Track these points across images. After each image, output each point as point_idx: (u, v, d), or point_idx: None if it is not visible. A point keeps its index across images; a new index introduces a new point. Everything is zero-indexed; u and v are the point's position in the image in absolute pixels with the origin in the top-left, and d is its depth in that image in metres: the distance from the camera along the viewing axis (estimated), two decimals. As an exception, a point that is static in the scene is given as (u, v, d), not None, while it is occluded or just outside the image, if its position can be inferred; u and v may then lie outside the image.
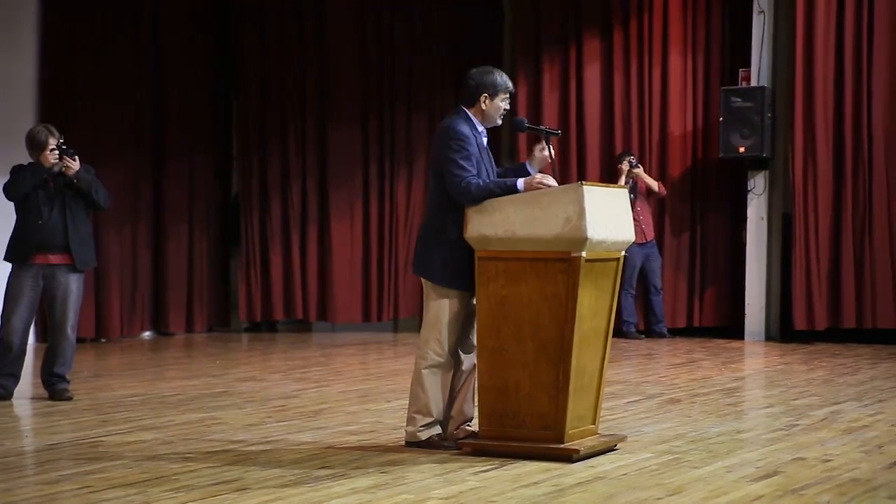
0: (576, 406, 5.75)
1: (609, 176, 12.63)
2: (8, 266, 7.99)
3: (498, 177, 6.07)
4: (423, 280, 6.06)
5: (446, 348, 5.97)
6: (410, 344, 6.95)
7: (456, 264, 5.91)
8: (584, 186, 5.62)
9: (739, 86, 12.26)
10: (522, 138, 12.90)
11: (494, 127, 6.17)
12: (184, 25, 13.11)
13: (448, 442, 6.01)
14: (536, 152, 6.15)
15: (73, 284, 7.87)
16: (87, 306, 12.09)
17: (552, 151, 6.14)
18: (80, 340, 11.92)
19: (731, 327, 12.48)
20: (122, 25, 12.45)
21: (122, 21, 12.46)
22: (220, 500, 4.94)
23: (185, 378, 9.23)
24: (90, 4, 12.18)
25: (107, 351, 11.56)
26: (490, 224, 5.78)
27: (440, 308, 5.96)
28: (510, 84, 6.08)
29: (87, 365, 10.44)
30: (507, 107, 6.10)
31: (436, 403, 6.00)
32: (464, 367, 6.07)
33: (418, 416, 6.02)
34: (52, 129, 7.99)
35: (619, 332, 12.10)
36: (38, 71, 11.94)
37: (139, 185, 12.71)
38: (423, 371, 6.00)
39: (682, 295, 12.73)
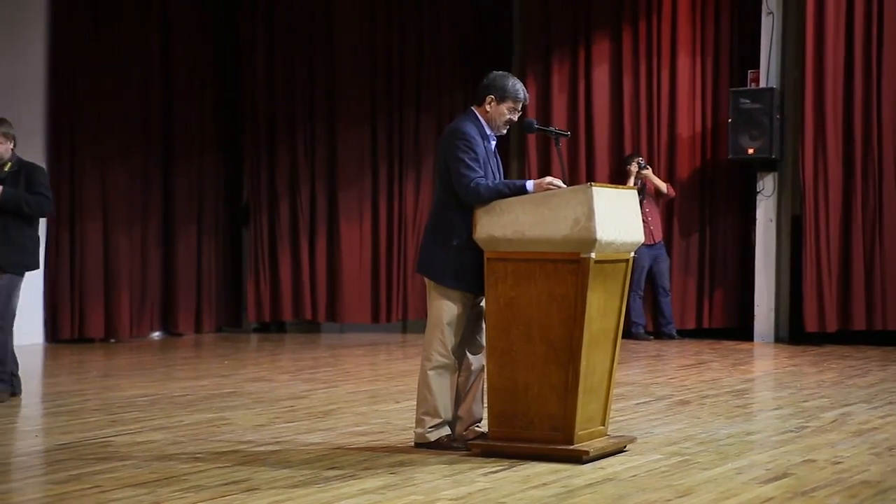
0: (585, 407, 5.75)
1: (618, 177, 12.62)
2: None
3: None
4: (426, 280, 6.07)
5: (450, 349, 5.97)
6: (419, 345, 6.97)
7: (458, 265, 5.91)
8: (594, 187, 5.62)
9: (748, 87, 12.24)
10: (531, 140, 12.91)
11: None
12: (192, 26, 13.12)
13: (457, 443, 6.01)
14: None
15: (2, 281, 7.79)
16: (97, 306, 12.13)
17: (562, 153, 6.13)
18: (89, 340, 12.07)
19: (740, 329, 12.46)
20: (129, 26, 12.46)
21: (129, 22, 12.47)
22: (229, 501, 4.94)
23: (195, 378, 9.24)
24: (98, 5, 12.20)
25: (116, 351, 11.58)
26: (499, 225, 5.78)
27: (442, 309, 5.97)
28: (521, 94, 6.00)
29: (96, 365, 10.46)
30: (513, 118, 6.04)
31: (443, 404, 6.00)
32: (473, 368, 6.08)
33: (427, 418, 6.02)
34: (8, 127, 7.86)
35: (628, 334, 12.08)
36: (46, 71, 11.96)
37: (148, 186, 12.73)
38: (429, 373, 6.01)
39: (691, 296, 12.72)
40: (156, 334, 12.97)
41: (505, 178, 6.18)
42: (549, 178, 5.83)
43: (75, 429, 6.79)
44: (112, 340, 12.30)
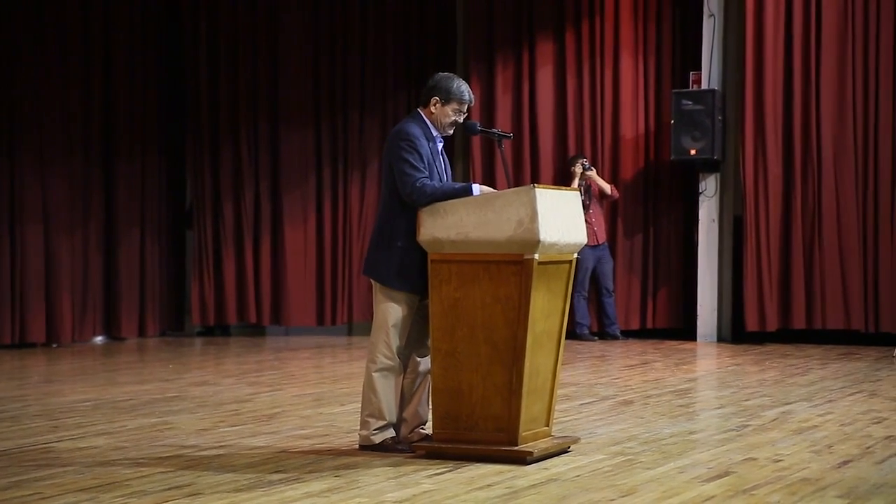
0: (529, 408, 5.77)
1: (562, 179, 12.69)
2: None
3: None
4: (372, 282, 6.07)
5: (395, 350, 5.97)
6: (364, 347, 6.98)
7: (404, 267, 5.92)
8: (537, 189, 5.64)
9: (690, 89, 12.35)
10: (475, 141, 12.94)
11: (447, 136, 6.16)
12: (133, 29, 13.00)
13: (402, 445, 6.01)
14: None
15: None
16: (38, 310, 12.00)
17: (505, 155, 6.15)
18: (31, 345, 11.92)
19: (683, 329, 12.57)
20: (70, 29, 12.33)
21: (70, 24, 12.33)
22: (172, 506, 4.92)
23: (138, 383, 9.17)
24: (37, 8, 12.05)
25: (58, 356, 11.46)
26: (443, 227, 5.79)
27: (387, 310, 5.97)
28: (466, 95, 6.02)
29: (37, 370, 10.35)
30: (459, 119, 6.05)
31: (388, 406, 6.00)
32: (420, 370, 6.08)
33: (371, 420, 6.02)
34: None
35: (573, 335, 12.16)
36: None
37: (90, 190, 12.60)
38: (374, 374, 6.00)
39: (636, 297, 12.80)
40: (98, 339, 12.85)
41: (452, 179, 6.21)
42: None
43: (15, 435, 6.71)
44: (54, 345, 12.17)
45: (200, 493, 5.12)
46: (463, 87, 6.05)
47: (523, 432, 5.73)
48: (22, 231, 11.95)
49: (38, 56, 12.05)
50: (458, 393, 5.78)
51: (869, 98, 11.72)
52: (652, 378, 9.27)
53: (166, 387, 8.90)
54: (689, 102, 12.16)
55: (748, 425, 6.88)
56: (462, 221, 5.74)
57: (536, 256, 5.64)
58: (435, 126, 6.05)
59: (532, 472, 5.49)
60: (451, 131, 6.12)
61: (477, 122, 6.56)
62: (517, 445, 5.70)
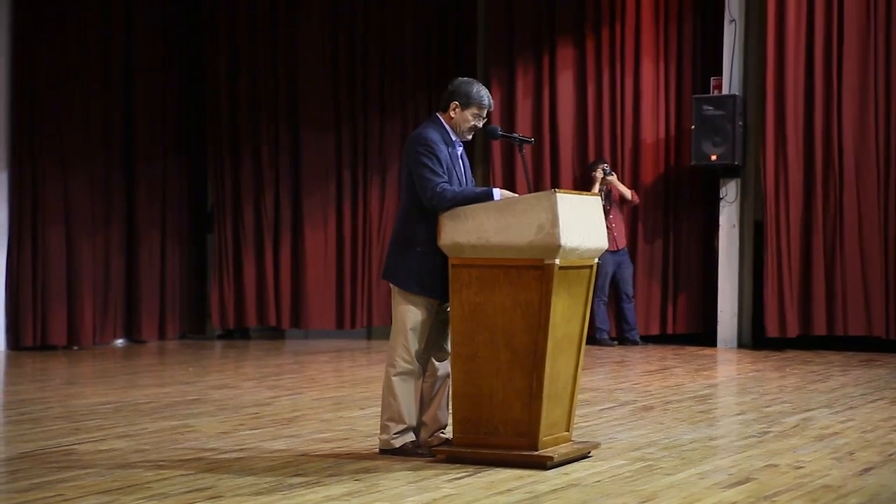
0: (549, 413, 5.77)
1: (582, 184, 12.67)
2: None
3: None
4: (391, 286, 6.08)
5: (414, 355, 5.98)
6: (384, 351, 6.97)
7: (423, 271, 5.92)
8: (558, 194, 5.64)
9: (711, 94, 12.32)
10: (496, 146, 12.94)
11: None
12: (154, 31, 13.05)
13: (422, 449, 6.01)
14: None
15: None
16: (59, 313, 12.05)
17: (526, 160, 6.16)
18: (52, 348, 11.97)
19: (703, 334, 12.53)
20: (92, 31, 12.39)
21: (92, 27, 12.39)
22: (193, 508, 4.93)
23: (158, 385, 9.20)
24: (61, 12, 12.11)
25: (79, 358, 11.50)
26: (463, 231, 5.79)
27: (406, 314, 5.97)
28: (485, 100, 6.02)
29: (59, 372, 10.39)
30: (478, 124, 6.06)
31: (408, 410, 6.01)
32: (439, 374, 6.08)
33: (391, 424, 6.02)
34: None
35: (593, 340, 12.14)
36: (8, 77, 11.86)
37: (111, 192, 12.65)
38: (393, 379, 6.01)
39: (656, 302, 12.77)
40: (119, 341, 12.89)
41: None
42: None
43: (38, 437, 6.74)
44: (75, 348, 12.21)
45: (221, 496, 5.13)
46: (482, 92, 6.05)
47: (543, 437, 5.73)
48: (43, 233, 12.00)
49: (58, 58, 12.09)
50: (478, 397, 5.78)
51: (891, 103, 11.66)
52: (672, 383, 9.25)
53: (186, 390, 8.93)
54: (710, 108, 12.13)
55: (769, 432, 6.86)
56: (483, 226, 5.75)
57: (557, 261, 5.64)
58: (454, 131, 6.06)
59: (552, 477, 5.49)
60: (470, 136, 6.13)
61: (498, 126, 6.56)
62: (537, 450, 5.69)
